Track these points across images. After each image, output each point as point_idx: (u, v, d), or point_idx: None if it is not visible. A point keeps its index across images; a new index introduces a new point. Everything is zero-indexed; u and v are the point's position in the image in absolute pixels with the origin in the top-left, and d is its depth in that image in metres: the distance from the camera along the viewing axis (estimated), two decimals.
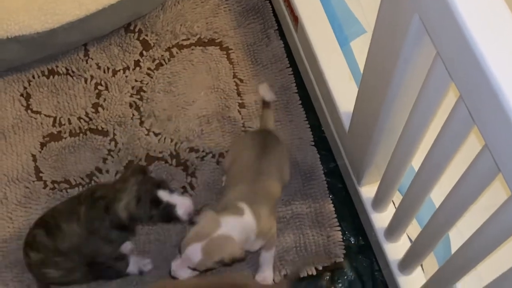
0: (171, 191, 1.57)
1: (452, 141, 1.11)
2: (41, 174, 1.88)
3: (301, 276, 1.77)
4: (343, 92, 1.77)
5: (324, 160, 1.94)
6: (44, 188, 1.86)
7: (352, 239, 1.85)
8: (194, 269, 1.51)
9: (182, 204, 1.55)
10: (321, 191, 1.90)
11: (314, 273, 1.79)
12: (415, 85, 1.17)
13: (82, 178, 1.87)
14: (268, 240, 1.65)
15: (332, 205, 1.87)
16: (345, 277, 1.81)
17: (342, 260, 1.81)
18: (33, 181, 1.87)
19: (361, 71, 1.51)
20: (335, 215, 1.86)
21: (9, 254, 1.76)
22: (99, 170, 1.89)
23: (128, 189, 1.54)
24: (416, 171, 1.38)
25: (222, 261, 1.49)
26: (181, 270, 1.51)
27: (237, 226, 1.54)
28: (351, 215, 1.87)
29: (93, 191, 1.61)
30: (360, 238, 1.85)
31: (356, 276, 1.81)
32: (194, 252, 1.48)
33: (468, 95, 0.95)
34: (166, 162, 1.93)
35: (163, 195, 1.54)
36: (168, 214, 1.55)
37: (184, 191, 1.88)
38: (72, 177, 1.88)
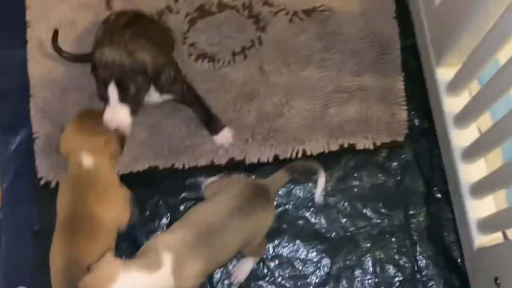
0: None
1: None
2: (111, 5, 1.84)
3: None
4: None
5: (402, 35, 1.83)
6: None
7: (416, 121, 1.79)
8: None
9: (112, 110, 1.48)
10: (393, 66, 1.81)
11: (371, 147, 1.76)
12: None
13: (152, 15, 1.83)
14: None
15: (403, 83, 1.79)
16: (402, 156, 1.77)
17: (402, 139, 1.76)
18: (103, 10, 1.83)
19: None
20: (404, 94, 1.79)
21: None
22: (170, 9, 1.84)
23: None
24: (504, 63, 1.29)
25: None
26: None
27: (139, 287, 1.28)
28: (420, 96, 1.80)
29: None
30: (426, 120, 1.79)
31: (414, 158, 1.77)
32: None
33: None
34: (238, 12, 1.85)
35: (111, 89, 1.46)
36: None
37: (251, 45, 1.82)
38: None
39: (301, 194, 1.76)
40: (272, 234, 1.72)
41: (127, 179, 1.70)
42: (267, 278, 1.71)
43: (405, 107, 1.78)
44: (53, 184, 1.74)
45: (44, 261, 1.68)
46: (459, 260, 1.70)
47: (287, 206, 1.75)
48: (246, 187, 1.50)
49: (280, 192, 1.75)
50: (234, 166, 1.77)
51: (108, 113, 1.46)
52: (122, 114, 1.46)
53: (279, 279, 1.71)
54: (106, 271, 1.26)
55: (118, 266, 1.27)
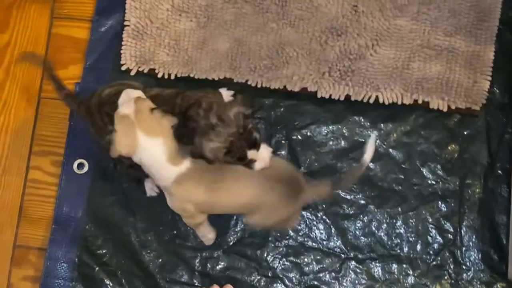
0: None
1: None
2: None
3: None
4: None
5: (505, 6, 1.78)
6: None
7: (497, 93, 1.76)
8: None
9: (261, 160, 1.47)
10: (488, 35, 1.77)
11: (445, 109, 1.74)
12: None
13: None
14: None
15: (493, 53, 1.76)
16: (474, 126, 1.75)
17: (477, 109, 1.74)
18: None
19: None
20: (492, 64, 1.75)
21: None
22: None
23: (222, 136, 1.42)
24: None
25: None
26: None
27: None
28: (506, 71, 1.76)
29: (190, 106, 1.48)
30: (506, 96, 1.75)
31: (485, 129, 1.75)
32: None
33: None
34: None
35: (250, 153, 1.46)
36: (245, 165, 1.49)
37: None
38: None
39: (362, 139, 1.78)
40: (325, 171, 1.76)
41: (200, 84, 1.77)
42: (310, 209, 1.75)
43: (489, 78, 1.74)
44: (132, 72, 1.82)
45: None
46: (504, 240, 1.69)
47: (346, 144, 1.78)
48: (289, 173, 1.53)
49: (344, 131, 1.78)
50: (305, 97, 1.80)
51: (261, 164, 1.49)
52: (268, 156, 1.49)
53: (321, 213, 1.75)
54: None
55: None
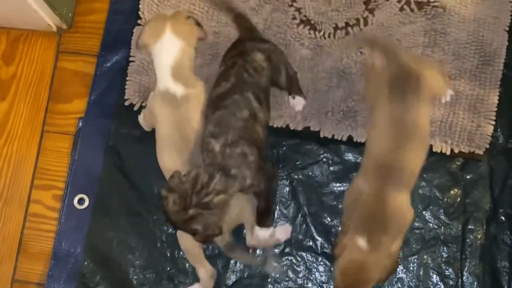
0: None
1: None
2: None
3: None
4: None
5: (510, 50, 1.78)
6: None
7: (501, 138, 1.75)
8: None
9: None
10: (492, 79, 1.76)
11: (448, 153, 1.73)
12: None
13: None
14: None
15: (498, 97, 1.75)
16: (477, 170, 1.74)
17: (481, 153, 1.73)
18: None
19: None
20: (495, 109, 1.74)
21: None
22: None
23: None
24: None
25: None
26: None
27: None
28: (510, 116, 1.76)
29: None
30: (510, 140, 1.74)
31: (488, 174, 1.73)
32: None
33: None
34: None
35: None
36: None
37: (356, 23, 1.83)
38: None
39: None
40: (326, 212, 1.75)
41: None
42: (311, 251, 1.73)
43: (493, 122, 1.74)
44: (136, 107, 1.82)
45: (108, 177, 1.79)
46: (506, 287, 1.66)
47: (348, 186, 1.76)
48: None
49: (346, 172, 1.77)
50: (307, 136, 1.79)
51: None
52: None
53: (321, 256, 1.73)
54: None
55: None
